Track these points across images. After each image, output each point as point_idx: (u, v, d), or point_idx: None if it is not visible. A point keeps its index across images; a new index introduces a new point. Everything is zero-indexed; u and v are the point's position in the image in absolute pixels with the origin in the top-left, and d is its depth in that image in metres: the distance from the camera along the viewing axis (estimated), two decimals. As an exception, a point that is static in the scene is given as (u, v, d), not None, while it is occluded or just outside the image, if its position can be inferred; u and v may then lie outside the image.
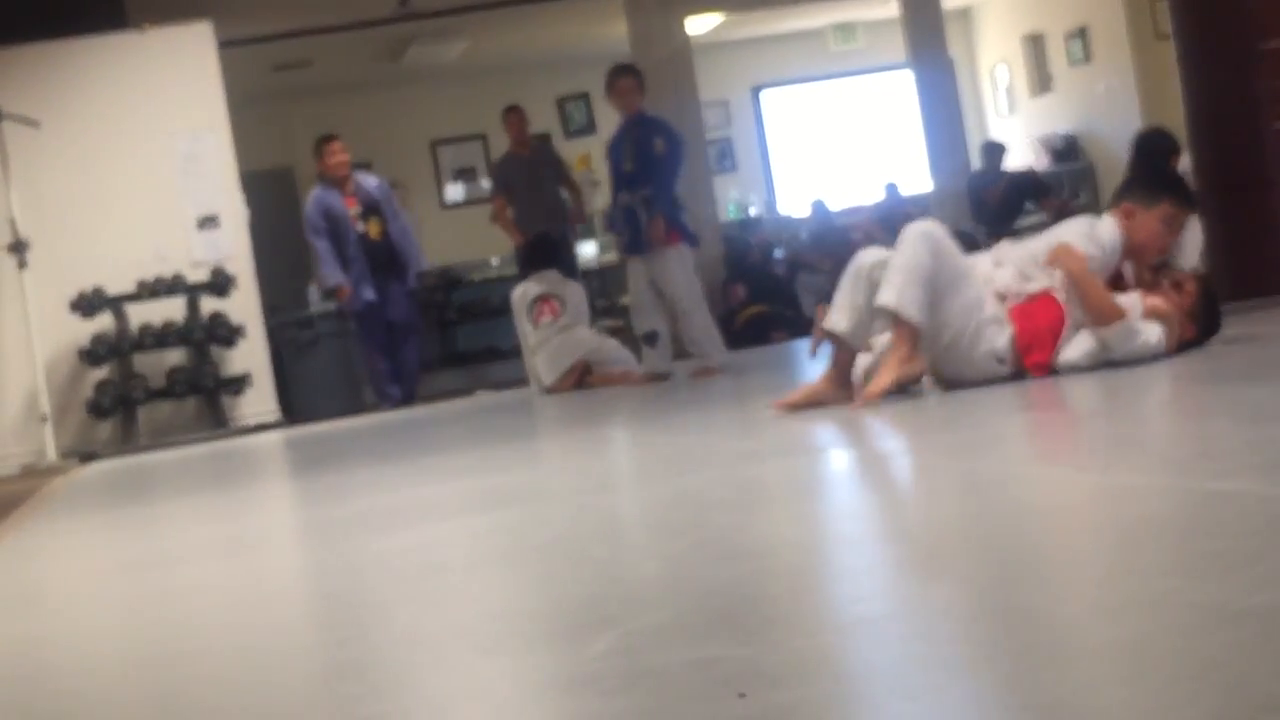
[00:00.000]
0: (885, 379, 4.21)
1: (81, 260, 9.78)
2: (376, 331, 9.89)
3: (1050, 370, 4.28)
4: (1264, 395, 3.27)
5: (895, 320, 4.24)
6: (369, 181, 10.05)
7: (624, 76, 8.11)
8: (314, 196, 9.92)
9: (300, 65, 13.42)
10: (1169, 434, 3.12)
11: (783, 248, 13.52)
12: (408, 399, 9.95)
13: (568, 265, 11.12)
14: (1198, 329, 4.42)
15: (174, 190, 10.07)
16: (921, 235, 4.31)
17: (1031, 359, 4.30)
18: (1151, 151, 7.44)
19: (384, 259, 9.80)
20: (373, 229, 9.79)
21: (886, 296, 4.22)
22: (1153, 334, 4.24)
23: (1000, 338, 4.30)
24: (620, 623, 1.85)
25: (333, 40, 12.66)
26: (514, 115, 11.18)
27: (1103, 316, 4.21)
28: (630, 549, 2.51)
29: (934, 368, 4.37)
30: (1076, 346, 4.26)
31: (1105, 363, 4.21)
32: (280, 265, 12.94)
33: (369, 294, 9.73)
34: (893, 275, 4.24)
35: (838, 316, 4.41)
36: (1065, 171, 14.42)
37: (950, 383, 4.36)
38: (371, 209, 9.83)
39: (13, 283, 9.52)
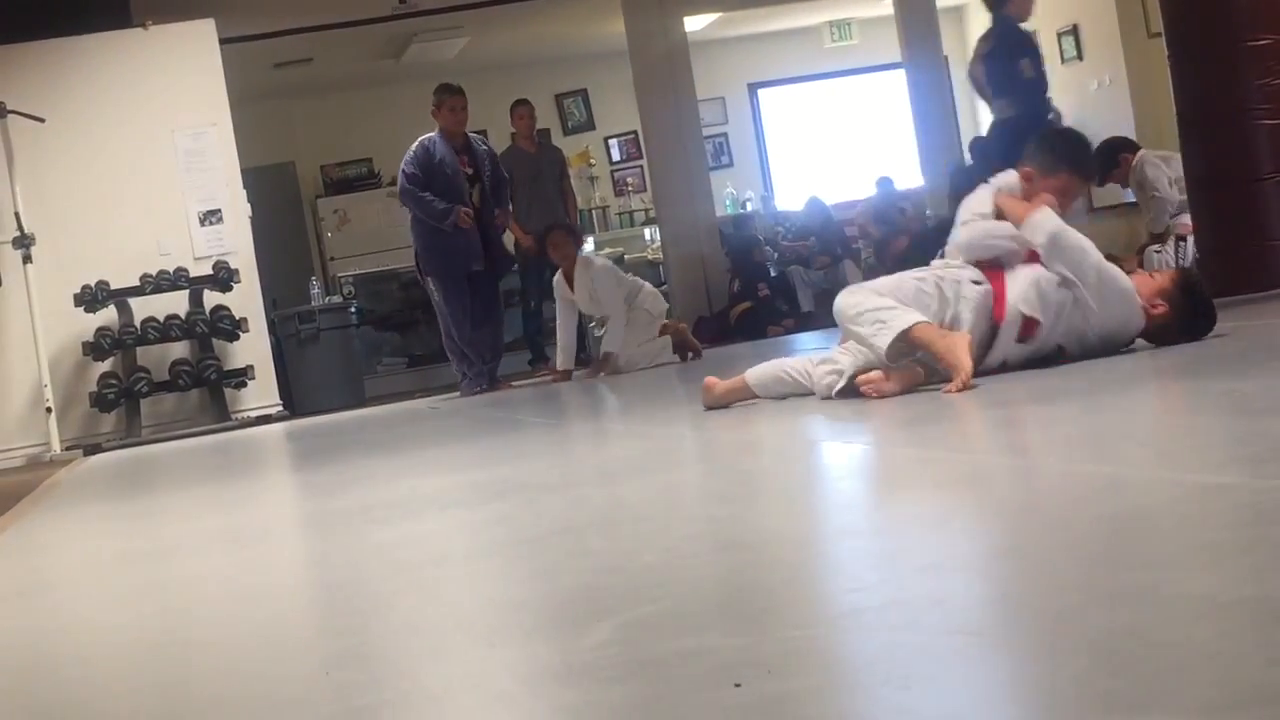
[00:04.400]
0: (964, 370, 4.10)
1: (85, 254, 9.81)
2: (464, 300, 9.20)
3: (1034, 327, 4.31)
4: (1253, 389, 3.28)
5: (907, 335, 4.19)
6: (482, 146, 9.46)
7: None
8: (422, 145, 9.15)
9: (301, 62, 13.43)
10: (1158, 427, 3.13)
11: (775, 245, 13.53)
12: (493, 378, 9.31)
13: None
14: (1173, 310, 4.42)
15: (177, 185, 10.10)
16: (860, 289, 4.36)
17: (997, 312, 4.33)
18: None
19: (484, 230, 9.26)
20: (475, 196, 9.23)
21: (882, 339, 4.16)
22: (1051, 220, 4.32)
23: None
24: (617, 613, 1.87)
25: (333, 37, 12.67)
26: (524, 108, 11.18)
27: (1022, 215, 4.32)
28: (627, 540, 2.52)
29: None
30: (1019, 282, 4.29)
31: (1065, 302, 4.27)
32: (282, 259, 12.96)
33: (477, 264, 9.16)
34: (872, 322, 4.20)
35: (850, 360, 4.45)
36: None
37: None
38: (477, 177, 9.26)
39: (18, 277, 9.54)
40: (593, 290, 9.15)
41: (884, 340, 4.15)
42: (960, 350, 4.06)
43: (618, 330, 9.06)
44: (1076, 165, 4.70)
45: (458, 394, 9.28)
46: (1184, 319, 4.44)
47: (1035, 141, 4.77)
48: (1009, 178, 4.66)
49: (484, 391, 9.13)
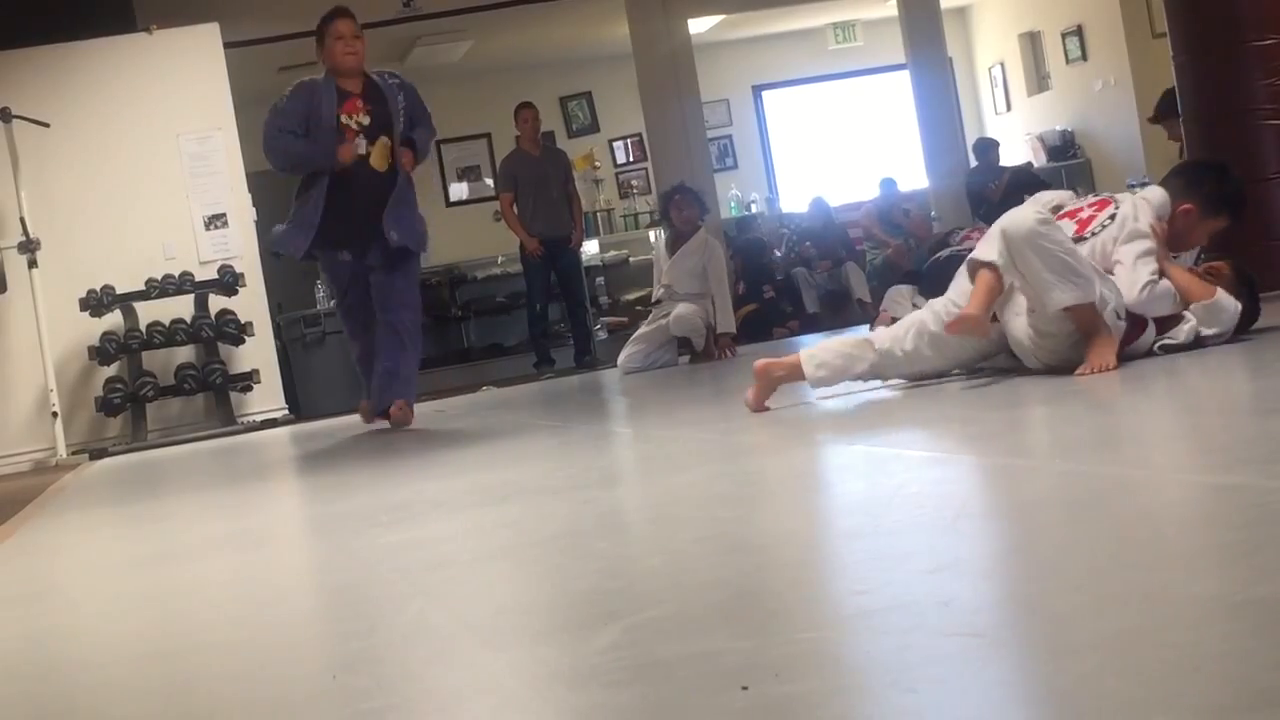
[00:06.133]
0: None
1: (91, 259, 9.81)
2: (355, 312, 6.91)
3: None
4: (1261, 389, 3.29)
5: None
6: (392, 80, 6.90)
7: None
8: (302, 84, 6.70)
9: (305, 66, 13.42)
10: (1168, 428, 3.13)
11: (782, 247, 13.54)
12: (382, 410, 6.95)
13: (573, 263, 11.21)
14: (1245, 302, 4.48)
15: (182, 190, 10.10)
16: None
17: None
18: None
19: (381, 199, 6.60)
20: (377, 157, 6.60)
21: (1067, 296, 4.06)
22: (1232, 304, 4.37)
23: None
24: (624, 616, 1.87)
25: (338, 41, 12.65)
26: (528, 111, 11.16)
27: (1200, 295, 4.34)
28: (633, 543, 2.52)
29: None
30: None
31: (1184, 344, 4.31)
32: (287, 263, 12.93)
33: (344, 254, 6.73)
34: (1063, 268, 4.10)
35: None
36: (1062, 168, 14.44)
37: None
38: (376, 128, 6.65)
39: (23, 281, 9.54)
40: (708, 264, 9.51)
41: (1068, 298, 4.05)
42: (1111, 348, 4.08)
43: (730, 311, 9.66)
44: (1238, 214, 4.66)
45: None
46: (1249, 310, 4.54)
47: (1198, 178, 4.63)
48: (1156, 193, 4.55)
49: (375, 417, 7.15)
